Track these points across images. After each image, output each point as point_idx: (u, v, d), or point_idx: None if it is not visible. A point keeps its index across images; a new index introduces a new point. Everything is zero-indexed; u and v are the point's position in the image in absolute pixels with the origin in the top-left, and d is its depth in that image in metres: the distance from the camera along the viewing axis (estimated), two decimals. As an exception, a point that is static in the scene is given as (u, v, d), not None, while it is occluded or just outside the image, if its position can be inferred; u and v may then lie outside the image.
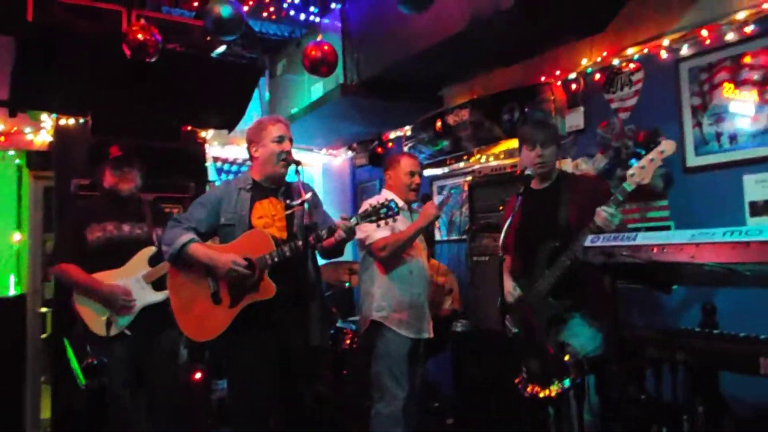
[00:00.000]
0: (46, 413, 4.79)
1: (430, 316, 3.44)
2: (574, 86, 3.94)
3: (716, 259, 1.88)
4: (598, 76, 3.81)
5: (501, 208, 3.35)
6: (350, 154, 6.49)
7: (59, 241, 3.41)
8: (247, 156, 5.79)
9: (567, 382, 2.49)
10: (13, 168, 4.93)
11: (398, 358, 3.24)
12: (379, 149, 5.72)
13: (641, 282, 2.71)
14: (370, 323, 3.28)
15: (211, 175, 5.49)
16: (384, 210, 2.66)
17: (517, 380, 2.72)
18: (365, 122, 5.23)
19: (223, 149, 5.79)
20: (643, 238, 2.14)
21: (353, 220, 2.69)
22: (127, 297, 3.22)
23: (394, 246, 3.23)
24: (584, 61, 3.86)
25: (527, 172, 2.95)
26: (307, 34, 5.10)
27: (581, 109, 3.92)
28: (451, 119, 4.54)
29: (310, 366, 2.89)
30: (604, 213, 2.48)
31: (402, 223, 3.27)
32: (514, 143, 4.32)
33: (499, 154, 4.43)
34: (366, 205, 2.81)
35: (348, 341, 4.40)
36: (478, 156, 4.59)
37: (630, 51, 3.61)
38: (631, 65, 3.62)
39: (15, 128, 4.81)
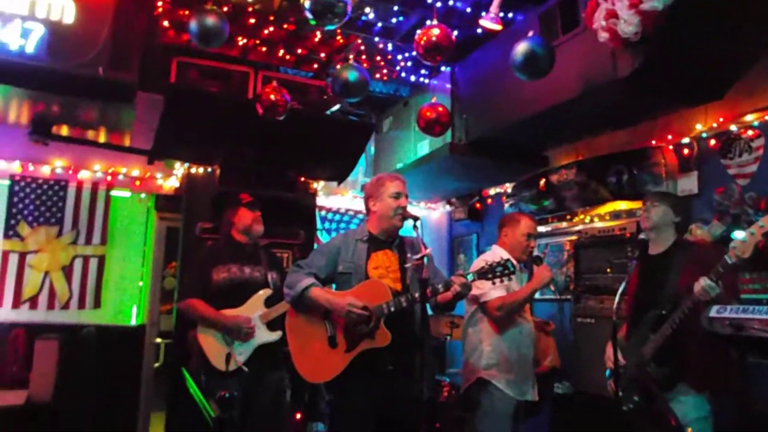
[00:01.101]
0: (156, 439, 5.10)
1: (535, 379, 3.42)
2: (686, 151, 3.91)
3: None
4: (713, 141, 3.76)
5: (608, 270, 3.34)
6: (449, 208, 6.62)
7: (189, 279, 3.70)
8: (348, 206, 6.14)
9: (687, 456, 2.41)
10: (143, 209, 5.43)
11: (504, 418, 3.22)
12: (478, 205, 5.81)
13: (769, 357, 2.61)
14: (476, 380, 3.30)
15: (317, 223, 5.76)
16: (500, 268, 2.73)
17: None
18: (467, 178, 5.36)
19: (327, 199, 6.08)
20: (777, 312, 2.09)
21: (470, 277, 2.76)
22: (249, 325, 3.44)
23: (510, 306, 3.27)
24: (698, 126, 3.84)
25: (641, 236, 2.96)
26: (414, 93, 5.36)
27: (695, 173, 3.87)
28: (555, 178, 4.59)
29: (414, 417, 2.93)
30: (702, 283, 2.46)
31: (514, 283, 3.31)
32: (620, 205, 4.30)
33: (605, 216, 4.41)
34: (482, 263, 2.88)
35: (445, 394, 4.41)
36: (582, 216, 4.59)
37: (749, 117, 3.56)
38: (750, 132, 3.56)
39: (149, 174, 5.34)
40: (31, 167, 4.98)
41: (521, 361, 3.30)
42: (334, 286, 3.06)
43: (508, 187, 5.45)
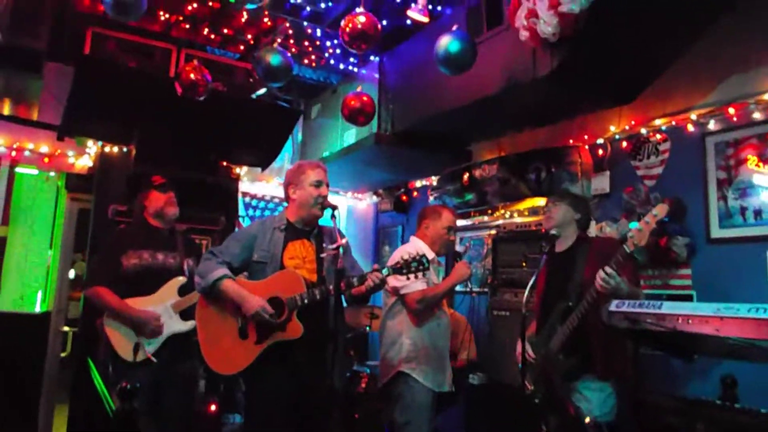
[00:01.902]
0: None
1: (451, 370, 3.48)
2: (601, 151, 4.06)
3: (740, 334, 1.93)
4: (625, 143, 3.92)
5: (524, 264, 3.42)
6: (375, 199, 6.63)
7: (96, 265, 3.50)
8: (274, 193, 6.02)
9: (585, 444, 2.51)
10: (52, 189, 5.11)
11: (424, 409, 3.24)
12: (404, 197, 5.85)
13: (663, 349, 2.75)
14: (396, 373, 3.31)
15: (240, 209, 5.62)
16: (415, 264, 2.73)
17: (537, 437, 2.74)
18: (393, 169, 5.38)
19: (253, 185, 5.95)
20: (668, 308, 2.20)
21: (385, 272, 2.75)
22: (157, 323, 3.30)
23: (430, 300, 3.28)
24: (612, 128, 3.99)
25: (552, 232, 3.06)
26: (343, 81, 5.31)
27: (607, 173, 4.03)
28: (478, 173, 4.66)
29: (326, 408, 2.92)
30: (601, 272, 2.57)
31: (433, 275, 3.33)
32: (538, 201, 4.42)
33: (524, 211, 4.52)
34: (397, 257, 2.88)
35: (364, 385, 4.41)
36: (502, 211, 4.69)
37: (658, 122, 3.73)
38: (659, 135, 3.74)
39: (59, 151, 5.02)
40: None
41: (439, 353, 3.34)
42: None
43: (434, 180, 5.51)
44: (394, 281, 3.21)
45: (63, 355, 5.16)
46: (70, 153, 5.05)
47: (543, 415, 2.76)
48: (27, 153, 4.91)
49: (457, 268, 3.33)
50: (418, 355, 3.28)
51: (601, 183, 4.05)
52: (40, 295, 4.99)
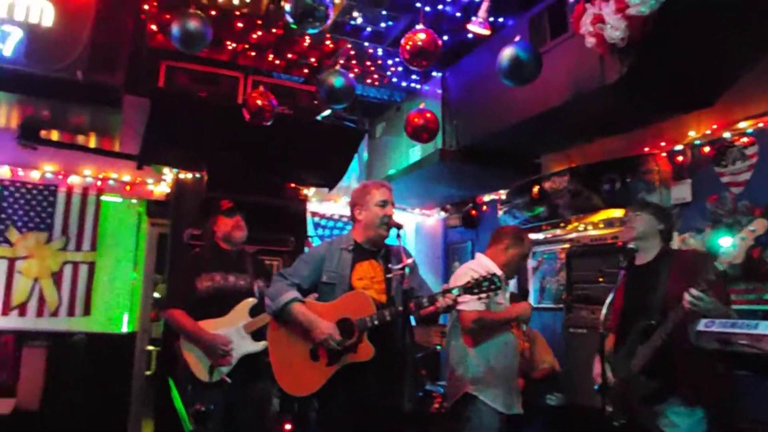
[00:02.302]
0: (144, 448, 5.05)
1: (519, 391, 3.36)
2: (680, 158, 3.85)
3: None
4: (707, 149, 3.70)
5: (601, 279, 3.27)
6: (443, 214, 6.57)
7: (172, 288, 3.64)
8: (342, 212, 6.08)
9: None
10: (134, 215, 5.39)
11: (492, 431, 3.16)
12: (473, 212, 5.76)
13: (759, 372, 2.53)
14: (463, 395, 3.23)
15: (309, 230, 5.71)
16: (486, 284, 2.65)
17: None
18: (460, 185, 5.30)
19: (321, 205, 6.04)
20: (765, 328, 2.02)
21: (455, 292, 2.68)
22: (226, 348, 3.36)
23: (486, 323, 3.20)
24: (692, 133, 3.77)
25: (630, 245, 2.90)
26: (407, 98, 5.31)
27: (688, 181, 3.81)
28: (548, 186, 4.53)
29: (396, 430, 2.88)
30: (690, 294, 2.38)
31: (499, 297, 3.23)
32: (613, 213, 4.23)
33: (598, 224, 4.34)
34: (467, 276, 2.80)
35: (437, 405, 4.34)
36: (575, 224, 4.52)
37: (743, 124, 3.50)
38: (744, 139, 3.50)
39: (139, 179, 5.30)
40: (20, 172, 4.95)
41: (506, 373, 3.24)
42: None
43: (503, 194, 5.39)
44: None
45: (147, 373, 5.39)
46: (150, 181, 5.33)
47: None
48: (111, 182, 5.23)
49: (522, 306, 3.28)
50: (485, 377, 3.19)
51: (682, 192, 3.83)
52: (126, 317, 5.24)
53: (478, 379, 3.19)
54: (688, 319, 2.46)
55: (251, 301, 3.51)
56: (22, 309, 4.85)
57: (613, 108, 3.42)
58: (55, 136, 4.85)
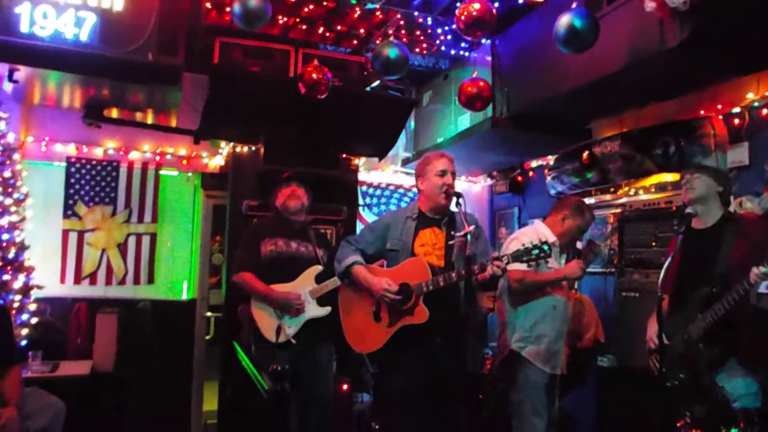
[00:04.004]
0: (209, 405, 5.34)
1: (564, 352, 3.45)
2: (737, 121, 3.79)
3: None
4: (765, 111, 3.64)
5: (654, 243, 3.30)
6: (490, 181, 6.61)
7: (240, 254, 3.82)
8: (389, 180, 6.17)
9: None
10: (190, 188, 5.59)
11: (538, 389, 3.27)
12: (520, 178, 5.78)
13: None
14: (508, 352, 3.34)
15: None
16: (536, 251, 2.72)
17: (678, 424, 2.67)
18: (509, 151, 5.33)
19: (368, 174, 6.13)
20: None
21: (504, 259, 2.76)
22: (299, 301, 3.57)
23: (530, 283, 3.27)
24: (750, 95, 3.71)
25: (687, 210, 2.92)
26: (454, 66, 5.31)
27: (746, 144, 3.76)
28: (599, 151, 4.52)
29: (458, 390, 3.02)
30: (755, 272, 2.40)
31: (553, 260, 3.30)
32: (666, 177, 4.22)
33: (650, 188, 4.34)
34: (518, 243, 2.88)
35: (488, 366, 4.48)
36: (626, 189, 4.52)
37: (805, 85, 3.43)
38: (806, 99, 3.44)
39: (195, 153, 5.48)
40: (85, 149, 5.17)
41: (553, 335, 3.31)
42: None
43: (551, 159, 5.39)
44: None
45: (207, 337, 5.67)
46: (204, 154, 5.50)
47: (686, 403, 2.68)
48: (168, 156, 5.41)
49: (571, 266, 3.29)
50: (531, 336, 3.28)
51: (739, 155, 3.79)
52: (185, 284, 5.50)
53: (522, 338, 3.29)
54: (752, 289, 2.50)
55: (317, 268, 3.69)
56: (92, 278, 5.14)
57: (671, 73, 3.38)
58: (115, 113, 5.05)
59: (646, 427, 3.62)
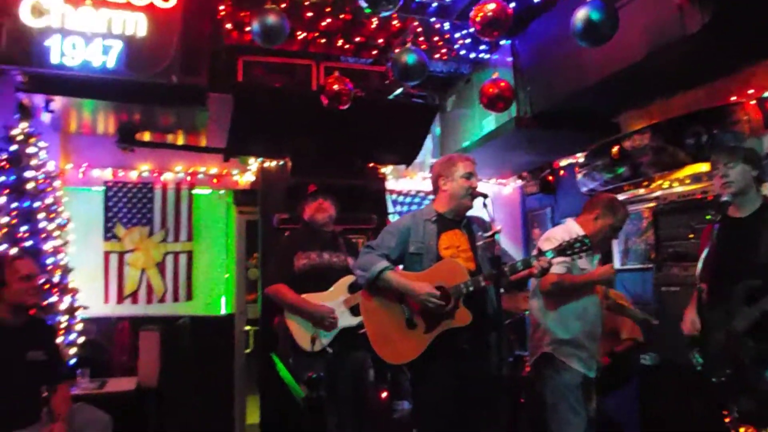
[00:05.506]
0: (251, 419, 5.41)
1: (599, 355, 3.36)
2: (772, 104, 3.67)
3: None
4: (801, 92, 3.51)
5: (691, 236, 3.20)
6: (520, 182, 6.54)
7: (273, 267, 3.87)
8: (419, 187, 6.17)
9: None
10: (223, 205, 5.71)
11: (572, 387, 3.16)
12: (551, 177, 5.71)
13: None
14: (541, 354, 3.26)
15: (388, 207, 5.84)
16: (578, 245, 2.67)
17: (726, 420, 2.57)
18: (536, 151, 5.28)
19: (397, 182, 6.15)
20: None
21: (549, 254, 2.71)
22: (332, 316, 3.58)
23: (563, 287, 3.18)
24: (783, 77, 3.59)
25: (723, 198, 2.82)
26: (476, 70, 5.31)
27: (782, 128, 3.63)
28: (628, 145, 4.43)
29: (493, 394, 2.96)
30: None
31: (585, 261, 3.24)
32: (700, 167, 4.10)
33: (684, 179, 4.22)
34: (558, 239, 2.83)
35: (527, 369, 4.40)
36: (659, 182, 4.41)
37: (841, 63, 3.30)
38: (843, 78, 3.30)
39: (225, 171, 5.61)
40: (121, 173, 5.36)
41: (586, 336, 3.22)
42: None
43: (581, 157, 5.31)
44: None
45: (247, 351, 5.75)
46: (235, 171, 5.62)
47: (732, 398, 2.58)
48: (200, 176, 5.56)
49: (605, 269, 3.20)
50: (563, 338, 3.19)
51: (775, 139, 3.66)
52: (223, 300, 5.61)
53: (555, 341, 3.19)
54: None
55: (350, 278, 3.69)
56: (134, 297, 5.30)
57: (695, 59, 3.31)
58: (147, 137, 5.22)
59: (691, 425, 3.50)
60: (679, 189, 4.20)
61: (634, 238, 4.86)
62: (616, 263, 5.00)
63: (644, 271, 4.49)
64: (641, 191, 4.67)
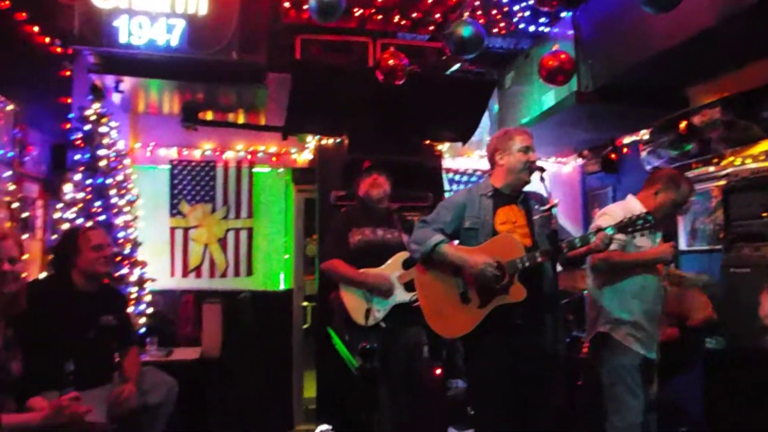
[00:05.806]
0: (308, 393, 5.56)
1: (658, 335, 3.25)
2: None
3: None
4: None
5: (765, 214, 3.04)
6: (580, 160, 6.36)
7: (329, 243, 3.94)
8: (476, 166, 6.11)
9: None
10: (282, 183, 5.84)
11: (630, 369, 3.10)
12: (613, 155, 5.52)
13: None
14: (597, 334, 3.20)
15: (444, 185, 5.81)
16: (641, 222, 2.60)
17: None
18: (598, 128, 5.10)
19: (454, 161, 6.11)
20: None
21: (609, 231, 2.64)
22: (389, 283, 3.62)
23: (612, 264, 3.10)
24: None
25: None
26: (535, 45, 5.16)
27: None
28: (697, 120, 4.23)
29: (548, 373, 2.91)
30: None
31: (646, 238, 3.13)
32: (777, 142, 3.88)
33: (759, 156, 4.00)
34: (608, 219, 2.76)
35: (585, 350, 4.31)
36: (731, 158, 4.19)
37: None
38: None
39: (284, 149, 5.72)
40: (185, 152, 5.56)
41: (644, 316, 3.13)
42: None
43: (645, 133, 5.10)
44: None
45: (304, 326, 5.89)
46: (293, 150, 5.73)
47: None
48: (260, 154, 5.69)
49: (663, 248, 3.11)
50: (619, 317, 3.11)
51: None
52: (282, 275, 5.75)
53: (611, 320, 3.13)
54: None
55: (405, 254, 3.70)
56: (197, 272, 5.52)
57: (770, 26, 3.10)
58: (209, 116, 5.38)
59: (760, 415, 3.35)
60: (752, 165, 3.98)
61: (701, 218, 4.65)
62: (682, 244, 4.80)
63: (712, 252, 4.29)
64: (711, 169, 4.45)
